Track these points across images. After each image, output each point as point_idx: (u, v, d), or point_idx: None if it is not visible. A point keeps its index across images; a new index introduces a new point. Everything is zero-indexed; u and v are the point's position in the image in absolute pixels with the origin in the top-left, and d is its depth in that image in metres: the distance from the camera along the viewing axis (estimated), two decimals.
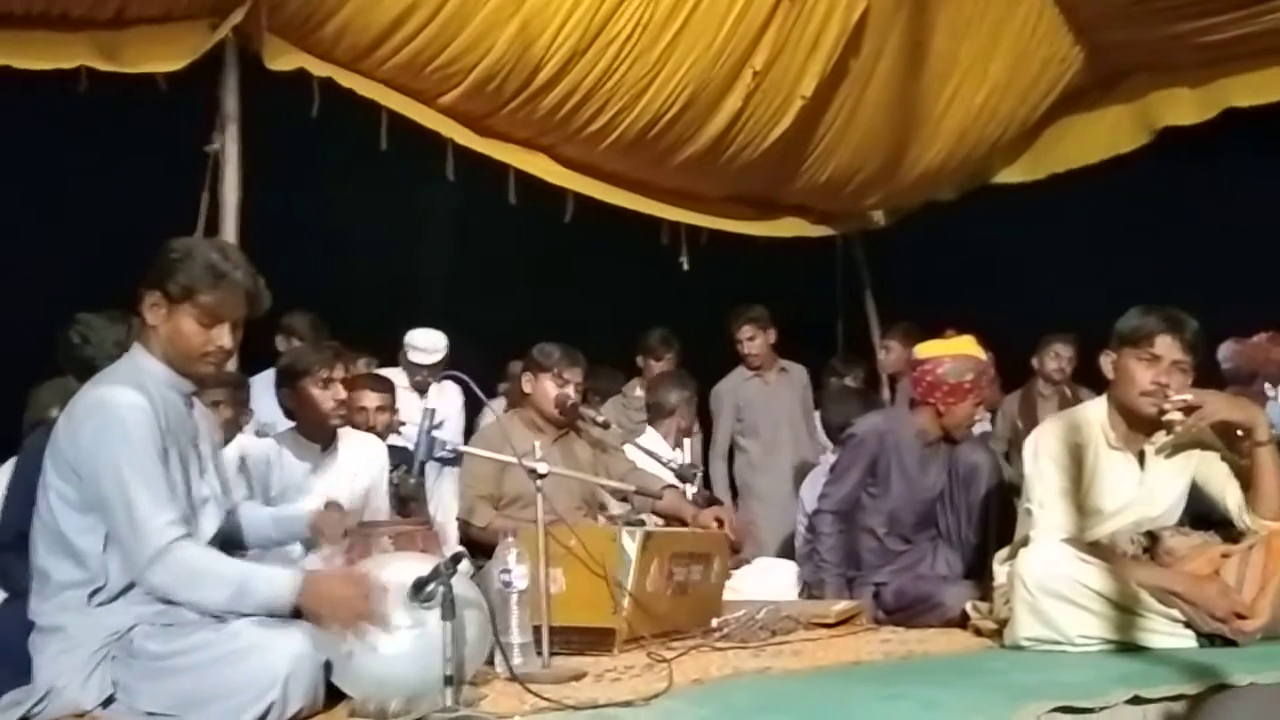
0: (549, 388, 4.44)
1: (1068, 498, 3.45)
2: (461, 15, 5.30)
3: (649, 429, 5.63)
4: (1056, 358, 6.43)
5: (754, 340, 6.42)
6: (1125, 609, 3.22)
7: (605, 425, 4.80)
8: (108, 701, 2.56)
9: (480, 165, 6.00)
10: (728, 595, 4.03)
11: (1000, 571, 3.59)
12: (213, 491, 2.80)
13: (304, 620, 2.55)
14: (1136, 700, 2.59)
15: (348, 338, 5.04)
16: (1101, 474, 3.47)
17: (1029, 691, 2.61)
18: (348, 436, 4.32)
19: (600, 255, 6.82)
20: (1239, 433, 3.41)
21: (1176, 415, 3.35)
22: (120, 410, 2.57)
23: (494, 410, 4.78)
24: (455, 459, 4.83)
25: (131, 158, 5.26)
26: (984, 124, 7.40)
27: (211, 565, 2.60)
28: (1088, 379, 5.94)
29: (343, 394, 4.17)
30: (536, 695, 2.59)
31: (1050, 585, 3.24)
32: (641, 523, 4.21)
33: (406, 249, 6.80)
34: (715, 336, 6.57)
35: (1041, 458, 3.49)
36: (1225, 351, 6.29)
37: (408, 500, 4.49)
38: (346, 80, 5.36)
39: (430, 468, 5.22)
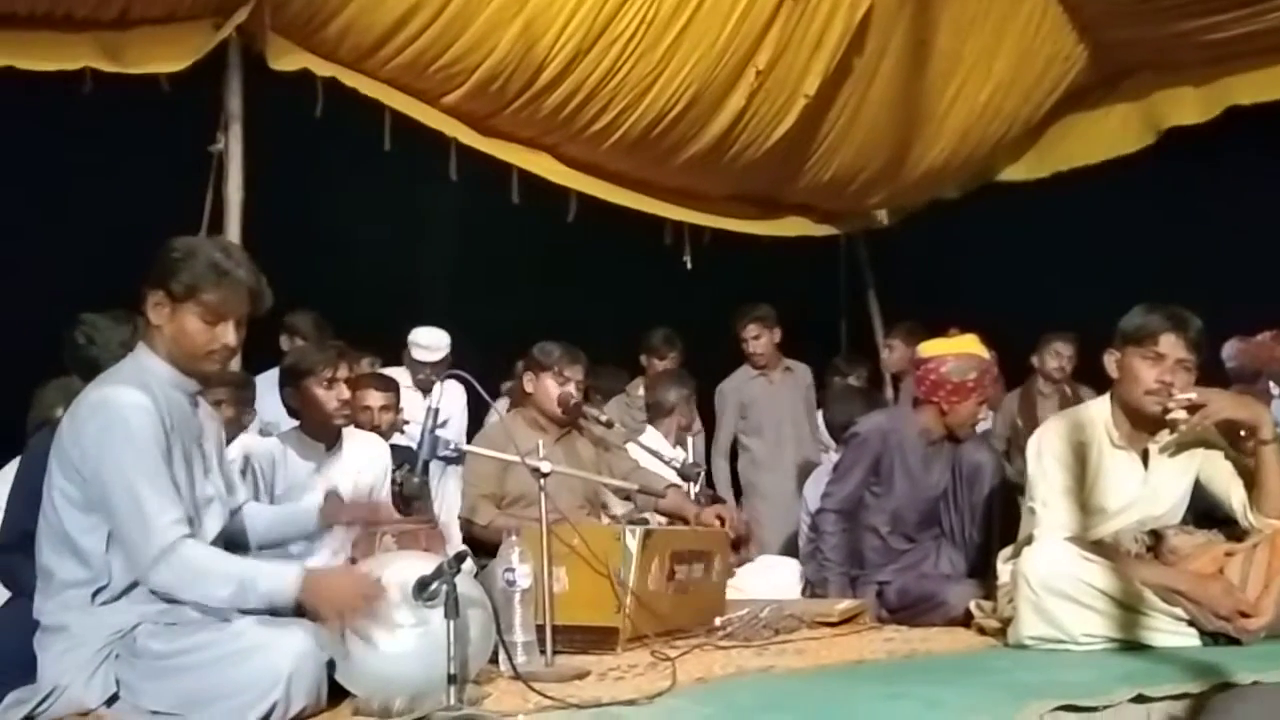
0: (550, 386, 4.44)
1: (1071, 496, 3.44)
2: (465, 15, 5.31)
3: (649, 428, 5.63)
4: (1057, 356, 6.41)
5: (759, 339, 6.41)
6: (1129, 608, 3.21)
7: (609, 424, 4.80)
8: (111, 700, 2.56)
9: (483, 165, 6.00)
10: (731, 594, 4.03)
11: (1004, 570, 3.59)
12: (217, 491, 2.80)
13: (306, 617, 2.56)
14: (1140, 699, 2.59)
15: (351, 337, 5.03)
16: (1105, 473, 3.47)
17: (1033, 690, 2.60)
18: (352, 436, 4.32)
19: (603, 255, 6.83)
20: (1243, 431, 3.40)
21: (1180, 414, 3.34)
22: (124, 410, 2.57)
23: (497, 410, 4.78)
24: (459, 458, 4.83)
25: (135, 158, 5.27)
26: (987, 122, 7.40)
27: (215, 563, 2.61)
28: (1089, 377, 5.94)
29: (347, 393, 4.17)
30: (540, 694, 2.59)
31: (1054, 584, 3.23)
32: (644, 521, 4.21)
33: (410, 249, 6.80)
34: (718, 336, 6.57)
35: (1045, 456, 3.48)
36: (1229, 350, 6.29)
37: (411, 499, 4.48)
38: (350, 80, 5.37)
39: (434, 467, 5.23)
